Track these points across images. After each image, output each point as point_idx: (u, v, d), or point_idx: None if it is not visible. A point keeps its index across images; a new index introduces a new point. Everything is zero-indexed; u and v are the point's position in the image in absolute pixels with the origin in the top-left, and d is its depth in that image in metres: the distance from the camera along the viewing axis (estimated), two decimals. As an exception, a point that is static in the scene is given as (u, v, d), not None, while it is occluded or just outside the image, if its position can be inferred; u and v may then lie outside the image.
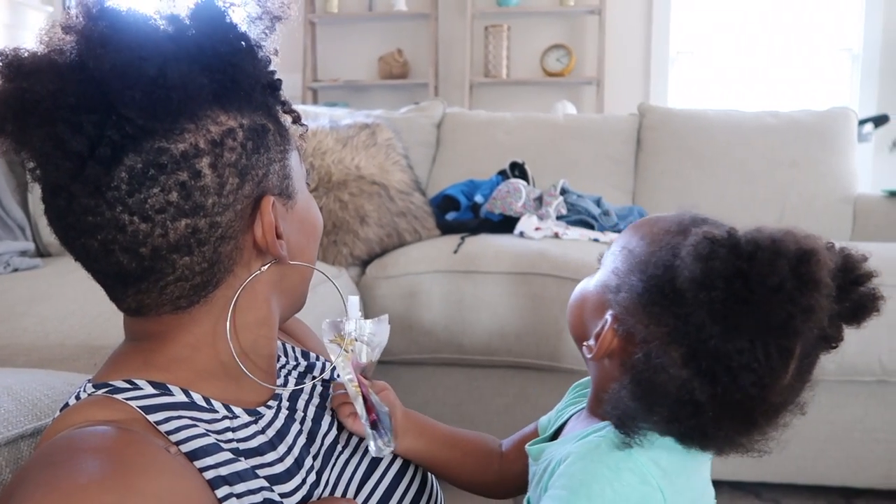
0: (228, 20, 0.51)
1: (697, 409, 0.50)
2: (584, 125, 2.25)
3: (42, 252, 1.48)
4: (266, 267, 0.53)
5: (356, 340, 0.61)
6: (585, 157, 2.15)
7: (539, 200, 1.82)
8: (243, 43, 0.51)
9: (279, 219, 0.52)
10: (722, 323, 0.49)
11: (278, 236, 0.52)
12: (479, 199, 1.91)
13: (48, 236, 1.50)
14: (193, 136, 0.48)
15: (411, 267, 1.54)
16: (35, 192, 1.51)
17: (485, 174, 2.07)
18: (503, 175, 2.00)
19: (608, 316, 0.56)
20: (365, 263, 1.64)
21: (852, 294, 0.52)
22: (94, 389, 0.51)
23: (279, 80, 0.55)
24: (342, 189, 1.70)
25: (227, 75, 0.49)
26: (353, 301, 0.62)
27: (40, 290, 1.12)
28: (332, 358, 0.59)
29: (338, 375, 0.60)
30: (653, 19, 3.65)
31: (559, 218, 1.81)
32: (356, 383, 0.59)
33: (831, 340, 0.53)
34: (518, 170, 2.00)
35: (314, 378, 0.65)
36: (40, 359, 0.90)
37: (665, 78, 3.68)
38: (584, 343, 0.59)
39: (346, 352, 0.60)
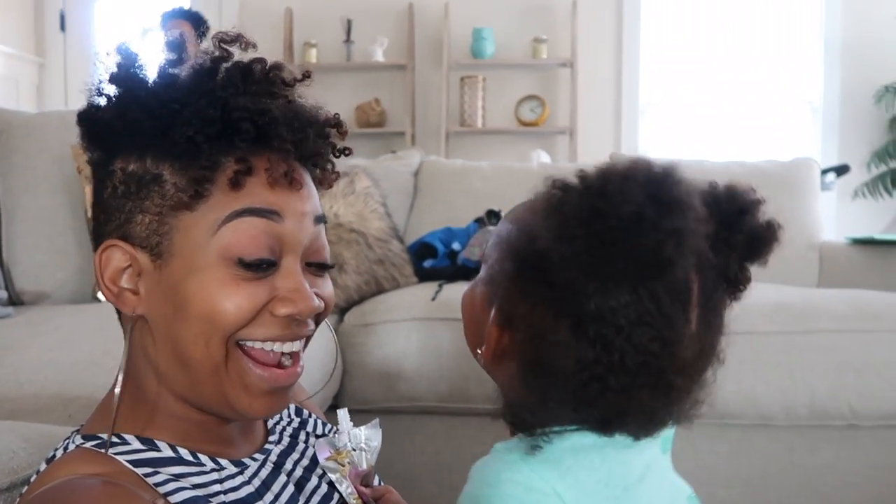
0: (161, 67, 0.53)
1: (602, 384, 0.46)
2: (557, 173, 2.30)
3: (14, 300, 1.46)
4: (135, 313, 0.53)
5: (353, 450, 0.62)
6: (560, 205, 2.19)
7: (515, 248, 1.85)
8: (162, 88, 0.52)
9: (128, 270, 0.53)
10: (595, 276, 0.45)
11: (128, 289, 0.53)
12: (456, 246, 1.94)
13: (21, 284, 1.48)
14: (116, 164, 0.53)
15: (389, 314, 1.55)
16: (8, 239, 1.50)
17: (462, 222, 2.10)
18: (480, 223, 2.03)
19: (490, 313, 0.53)
20: (343, 311, 1.64)
21: (742, 225, 0.48)
22: (82, 441, 0.51)
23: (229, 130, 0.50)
24: (320, 237, 1.72)
25: (141, 119, 0.51)
26: (343, 414, 0.64)
27: (13, 339, 1.11)
28: (333, 477, 0.60)
29: (340, 493, 0.60)
30: (622, 72, 3.78)
31: (535, 265, 1.84)
32: (356, 495, 0.60)
33: (736, 283, 0.49)
34: (495, 217, 2.03)
35: (308, 434, 0.66)
36: (13, 410, 0.88)
37: (635, 128, 3.80)
38: (477, 350, 0.57)
39: (343, 465, 0.61)
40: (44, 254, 1.50)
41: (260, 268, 0.51)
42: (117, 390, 0.52)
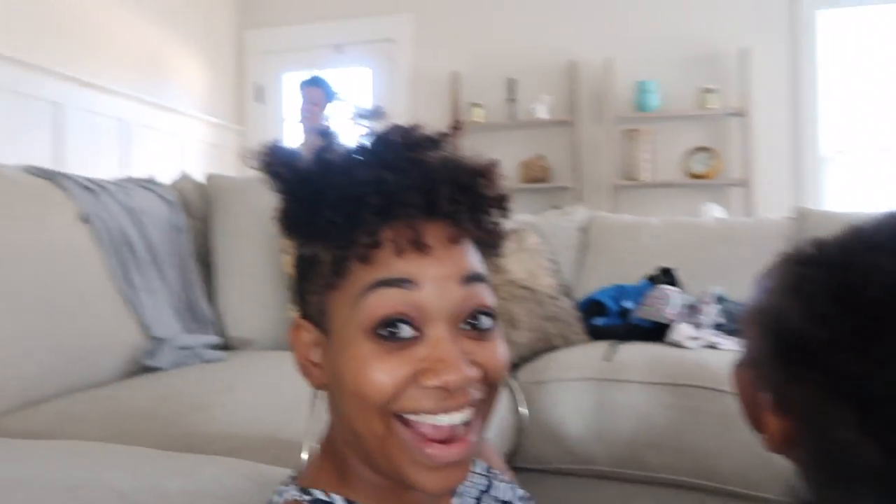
0: (324, 156, 0.54)
1: None
2: (736, 229, 2.19)
3: (227, 345, 1.63)
4: (319, 387, 0.57)
5: None
6: (739, 263, 2.08)
7: (693, 308, 1.78)
8: (313, 175, 0.54)
9: (315, 346, 0.56)
10: (867, 357, 0.40)
11: (315, 364, 0.56)
12: (628, 304, 1.89)
13: (231, 331, 1.65)
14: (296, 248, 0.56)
15: (562, 373, 1.54)
16: (221, 291, 1.68)
17: (632, 279, 2.05)
18: (652, 280, 1.97)
19: (763, 398, 0.48)
20: (514, 367, 1.65)
21: None
22: (298, 495, 0.55)
23: (373, 211, 0.50)
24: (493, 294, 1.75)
25: (297, 206, 0.54)
26: None
27: (227, 382, 1.23)
28: None
29: None
30: (800, 120, 3.55)
31: (716, 327, 1.75)
32: None
33: None
34: (667, 275, 1.97)
35: (492, 499, 0.66)
36: (231, 447, 0.97)
37: (817, 179, 3.53)
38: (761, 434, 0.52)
39: None
40: (249, 303, 1.67)
41: (397, 337, 0.50)
42: (304, 454, 0.56)
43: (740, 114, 3.55)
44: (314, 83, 3.52)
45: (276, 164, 0.54)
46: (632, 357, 1.55)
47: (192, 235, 1.71)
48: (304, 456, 0.61)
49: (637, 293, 1.92)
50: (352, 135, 0.55)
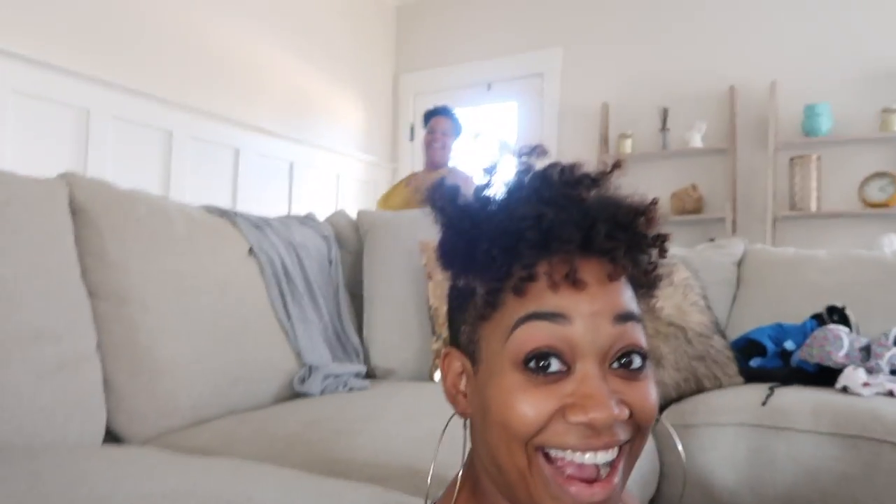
0: (483, 188, 0.57)
1: None
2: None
3: (370, 374, 1.70)
4: (465, 415, 0.58)
5: None
6: (924, 302, 1.86)
7: (867, 350, 1.61)
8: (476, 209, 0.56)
9: (463, 375, 0.58)
10: None
11: (462, 392, 0.58)
12: (788, 345, 1.75)
13: (375, 360, 1.72)
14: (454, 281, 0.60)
15: (712, 417, 1.44)
16: (368, 321, 1.76)
17: (794, 318, 1.90)
18: (818, 320, 1.81)
19: None
20: (660, 408, 1.58)
21: None
22: None
23: (523, 244, 0.52)
24: (637, 329, 1.69)
25: (459, 241, 0.56)
26: None
27: (369, 411, 1.28)
28: None
29: None
30: None
31: (894, 373, 1.57)
32: None
33: None
34: (837, 314, 1.80)
35: None
36: (371, 475, 1.01)
37: None
38: None
39: None
40: (393, 335, 1.74)
41: (546, 371, 0.51)
42: (432, 486, 0.57)
43: (928, 135, 3.19)
44: (442, 113, 3.42)
45: (440, 198, 0.58)
46: (793, 402, 1.43)
47: (345, 268, 1.82)
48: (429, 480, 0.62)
49: (800, 333, 1.77)
50: (511, 172, 0.56)
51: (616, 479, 0.51)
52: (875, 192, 3.30)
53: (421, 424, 1.19)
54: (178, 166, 3.22)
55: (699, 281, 1.90)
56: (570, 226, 0.52)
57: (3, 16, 2.59)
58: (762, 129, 3.59)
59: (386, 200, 3.33)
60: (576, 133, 4.13)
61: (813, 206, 3.40)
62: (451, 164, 3.38)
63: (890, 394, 1.48)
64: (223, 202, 3.04)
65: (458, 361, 0.58)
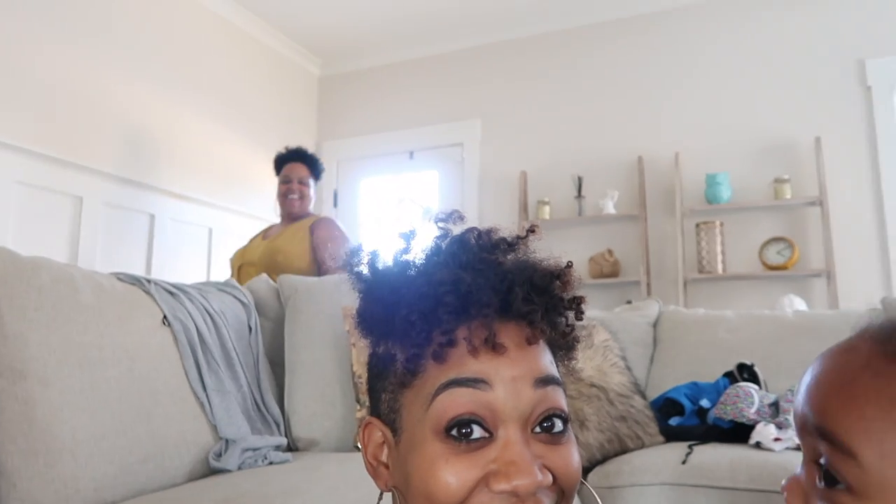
0: (395, 259, 0.57)
1: None
2: (819, 322, 2.09)
3: (292, 446, 1.64)
4: (387, 488, 0.57)
5: None
6: (824, 358, 1.96)
7: (775, 406, 1.68)
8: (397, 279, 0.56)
9: (385, 445, 0.56)
10: None
11: (383, 463, 0.56)
12: (704, 403, 1.81)
13: (297, 431, 1.66)
14: (373, 348, 0.59)
15: (636, 477, 1.46)
16: (289, 391, 1.70)
17: (707, 376, 1.97)
18: (730, 377, 1.88)
19: None
20: (586, 471, 1.59)
21: None
22: None
23: (443, 317, 0.51)
24: (560, 391, 1.71)
25: (377, 307, 0.56)
26: None
27: (291, 485, 1.23)
28: None
29: None
30: (885, 206, 3.41)
31: (801, 427, 1.64)
32: None
33: None
34: (747, 371, 1.88)
35: None
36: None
37: (907, 269, 3.35)
38: None
39: None
40: (316, 404, 1.68)
41: (468, 438, 0.50)
42: None
43: (817, 203, 3.45)
44: (296, 158, 3.00)
45: (357, 264, 0.57)
46: (711, 459, 1.46)
47: (265, 335, 1.76)
48: None
49: (714, 391, 1.84)
50: (428, 237, 0.57)
51: None
52: (773, 256, 3.52)
53: (345, 497, 1.14)
54: (87, 233, 3.09)
55: (618, 342, 1.95)
56: (487, 290, 0.52)
57: None
58: (670, 196, 3.80)
59: (242, 255, 2.92)
60: (496, 200, 4.24)
61: (719, 269, 3.58)
62: (314, 212, 3.04)
63: (798, 448, 1.54)
64: (137, 270, 2.92)
65: (378, 431, 0.57)
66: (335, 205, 4.78)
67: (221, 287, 1.74)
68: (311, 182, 3.00)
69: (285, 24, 4.34)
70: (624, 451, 1.64)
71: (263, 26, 4.31)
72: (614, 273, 3.82)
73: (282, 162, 3.02)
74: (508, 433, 0.50)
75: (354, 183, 4.78)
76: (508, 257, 0.56)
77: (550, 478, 0.50)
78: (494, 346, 0.51)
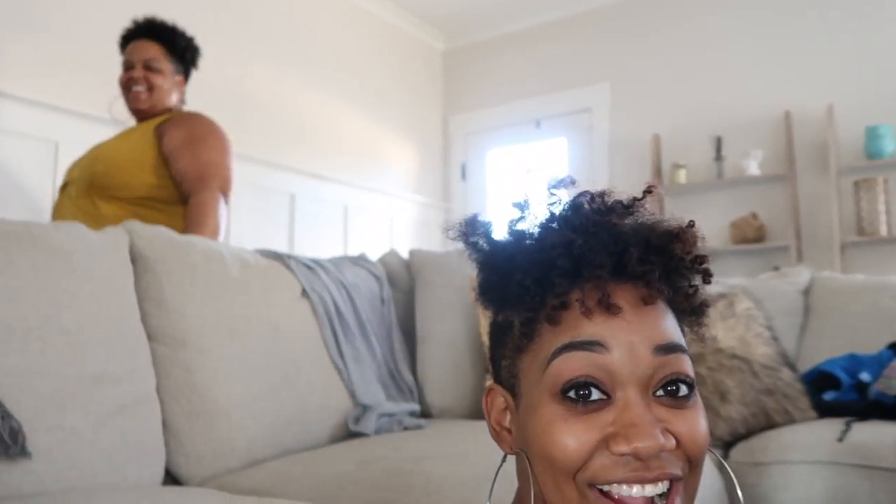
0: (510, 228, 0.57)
1: None
2: None
3: (425, 413, 1.69)
4: (511, 452, 0.57)
5: None
6: None
7: (950, 381, 1.50)
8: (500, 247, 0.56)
9: (507, 411, 0.57)
10: None
11: (506, 428, 0.57)
12: (864, 376, 1.65)
13: (430, 398, 1.70)
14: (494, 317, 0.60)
15: (786, 454, 1.37)
16: (422, 359, 1.75)
17: (868, 347, 1.80)
18: (895, 349, 1.71)
19: None
20: (728, 445, 1.51)
21: None
22: None
23: (553, 276, 0.51)
24: (699, 363, 1.63)
25: (494, 276, 0.56)
26: None
27: (423, 450, 1.27)
28: None
29: None
30: None
31: (983, 404, 1.46)
32: None
33: None
34: (915, 343, 1.69)
35: None
36: (424, 517, 0.99)
37: None
38: None
39: None
40: (447, 373, 1.72)
41: (586, 401, 0.49)
42: None
43: None
44: (145, 34, 2.01)
45: (473, 234, 0.58)
46: (873, 438, 1.34)
47: (397, 307, 1.82)
48: None
49: (876, 363, 1.67)
50: (545, 205, 0.56)
51: None
52: (950, 214, 3.13)
53: (475, 463, 1.16)
54: (236, 214, 3.32)
55: (763, 311, 1.83)
56: (600, 251, 0.51)
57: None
58: (822, 153, 3.48)
59: (68, 172, 1.93)
60: (628, 166, 4.09)
61: (883, 231, 3.25)
62: (175, 107, 2.04)
63: (981, 427, 1.38)
64: (280, 246, 3.11)
65: (500, 397, 0.58)
66: (463, 178, 4.82)
67: (355, 261, 1.81)
68: (168, 66, 2.00)
69: (408, 1, 4.40)
70: (771, 426, 1.54)
71: (387, 4, 4.39)
72: (759, 238, 3.57)
73: (123, 43, 2.05)
74: (627, 395, 0.49)
75: (481, 155, 4.79)
76: (625, 221, 0.54)
77: (674, 442, 0.49)
78: (609, 307, 0.50)
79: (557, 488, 0.50)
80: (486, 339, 1.70)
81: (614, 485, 0.48)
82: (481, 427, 1.46)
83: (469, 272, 1.81)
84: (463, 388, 1.70)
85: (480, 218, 0.58)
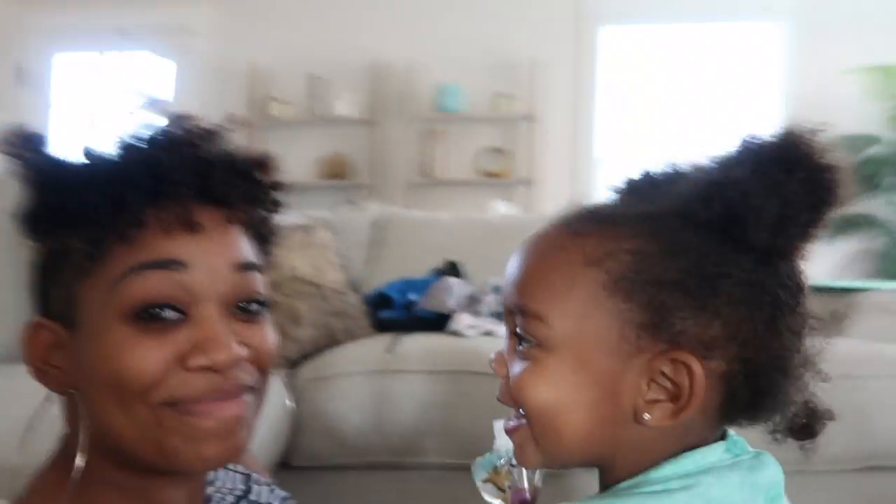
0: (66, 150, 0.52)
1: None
2: (515, 225, 2.32)
3: None
4: (61, 390, 0.53)
5: (513, 467, 0.55)
6: (518, 256, 2.21)
7: (473, 298, 1.85)
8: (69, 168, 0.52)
9: (56, 347, 0.51)
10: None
11: (52, 364, 0.52)
12: (413, 297, 1.93)
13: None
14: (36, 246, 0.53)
15: (342, 367, 1.52)
16: None
17: (422, 273, 2.09)
18: (438, 273, 2.03)
19: (666, 356, 0.44)
20: (294, 364, 1.61)
21: None
22: None
23: (125, 196, 0.48)
24: (276, 290, 1.70)
25: (54, 198, 0.50)
26: (499, 427, 0.54)
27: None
28: (492, 502, 0.55)
29: None
30: (578, 126, 3.88)
31: (494, 315, 1.83)
32: None
33: None
34: (453, 268, 2.03)
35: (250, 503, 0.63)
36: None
37: (590, 180, 3.89)
38: (643, 418, 0.44)
39: (504, 490, 0.53)
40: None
41: (159, 318, 0.48)
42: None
43: (530, 119, 3.79)
44: None
45: (28, 149, 0.51)
46: (413, 348, 1.57)
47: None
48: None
49: (424, 286, 1.96)
50: (128, 125, 0.52)
51: (248, 414, 0.52)
52: (490, 164, 3.83)
53: (11, 414, 1.02)
54: None
55: (339, 242, 1.98)
56: (184, 170, 0.50)
57: None
58: (403, 103, 3.88)
59: None
60: (223, 94, 3.95)
61: (440, 174, 3.80)
62: None
63: (490, 334, 1.73)
64: None
65: (48, 332, 0.51)
66: (20, 82, 4.05)
67: None
68: None
69: None
70: (335, 344, 1.69)
71: None
72: (342, 175, 3.85)
73: None
74: (207, 312, 0.49)
75: (46, 58, 4.09)
76: (208, 144, 0.54)
77: (246, 351, 0.50)
78: (191, 225, 0.49)
79: (127, 414, 0.48)
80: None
81: (192, 404, 0.49)
82: (22, 372, 1.28)
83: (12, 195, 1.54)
84: (3, 327, 1.46)
85: (37, 130, 0.52)
